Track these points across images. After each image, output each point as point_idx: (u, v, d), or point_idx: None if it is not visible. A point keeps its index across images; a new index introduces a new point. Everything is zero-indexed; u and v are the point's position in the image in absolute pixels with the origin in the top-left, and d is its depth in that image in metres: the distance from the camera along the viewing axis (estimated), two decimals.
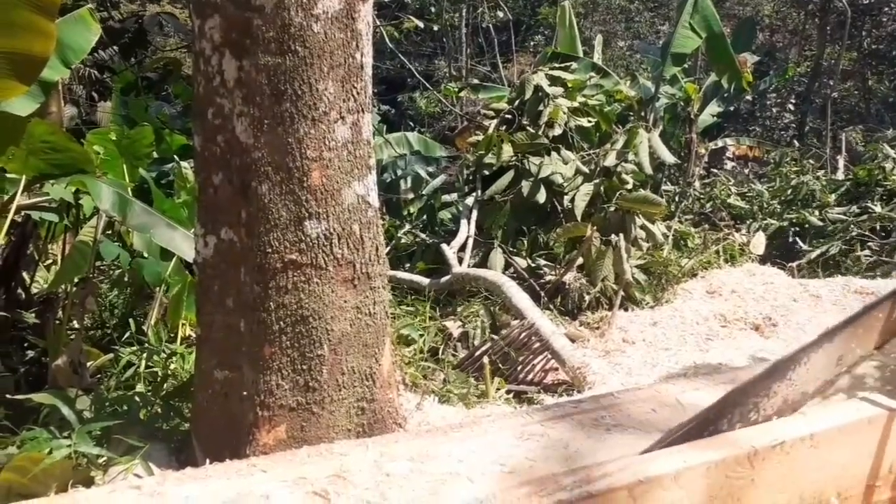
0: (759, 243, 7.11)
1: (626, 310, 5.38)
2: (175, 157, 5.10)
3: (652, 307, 5.44)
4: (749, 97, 12.98)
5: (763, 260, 6.92)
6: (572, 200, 5.94)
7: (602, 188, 6.01)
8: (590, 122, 6.78)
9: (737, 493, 1.93)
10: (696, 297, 5.53)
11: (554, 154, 6.29)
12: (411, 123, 15.30)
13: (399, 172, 8.82)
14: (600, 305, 5.46)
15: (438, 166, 9.03)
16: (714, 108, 10.20)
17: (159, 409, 3.25)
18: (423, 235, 7.13)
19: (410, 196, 8.56)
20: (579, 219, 5.82)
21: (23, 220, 3.84)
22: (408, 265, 6.73)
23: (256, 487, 1.67)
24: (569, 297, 5.47)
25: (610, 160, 6.08)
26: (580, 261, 5.57)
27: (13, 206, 3.38)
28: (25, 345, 4.03)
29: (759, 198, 8.97)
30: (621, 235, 5.47)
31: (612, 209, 5.81)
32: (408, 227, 7.55)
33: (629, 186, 6.00)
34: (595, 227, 5.55)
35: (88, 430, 2.71)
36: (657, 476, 1.81)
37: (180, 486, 1.64)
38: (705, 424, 2.03)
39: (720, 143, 11.37)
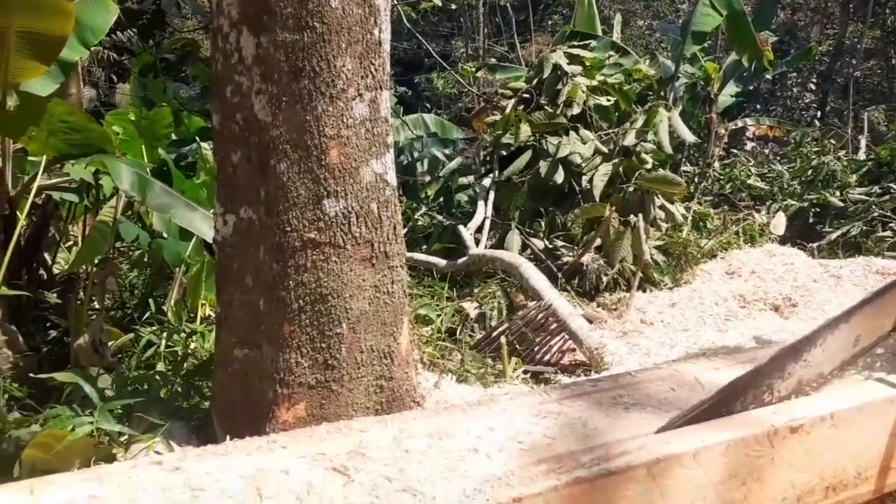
0: (779, 224, 7.03)
1: (644, 291, 5.36)
2: (195, 138, 5.12)
3: (670, 288, 5.41)
4: (769, 76, 12.76)
5: (783, 240, 6.85)
6: (591, 180, 5.90)
7: (621, 168, 5.96)
8: (609, 100, 6.70)
9: (756, 472, 1.92)
10: (716, 278, 5.49)
11: (572, 133, 6.24)
12: (428, 105, 15.23)
13: (416, 155, 8.79)
14: (618, 287, 5.44)
15: (455, 148, 8.99)
16: (734, 87, 10.04)
17: (179, 388, 3.29)
18: (439, 217, 7.13)
19: (427, 178, 8.52)
20: (598, 199, 5.78)
21: (44, 201, 3.87)
22: (424, 247, 6.73)
23: (276, 463, 1.68)
24: (586, 278, 5.45)
25: (629, 139, 6.02)
26: (598, 242, 5.54)
27: (34, 187, 3.41)
28: (48, 324, 4.07)
29: (779, 178, 8.85)
30: (640, 216, 5.43)
31: (630, 189, 5.77)
32: (424, 209, 7.54)
33: (648, 166, 5.95)
34: (613, 208, 5.52)
35: (110, 408, 2.75)
36: (676, 454, 1.80)
37: (201, 461, 1.65)
38: (718, 406, 2.01)
39: (740, 124, 11.21)
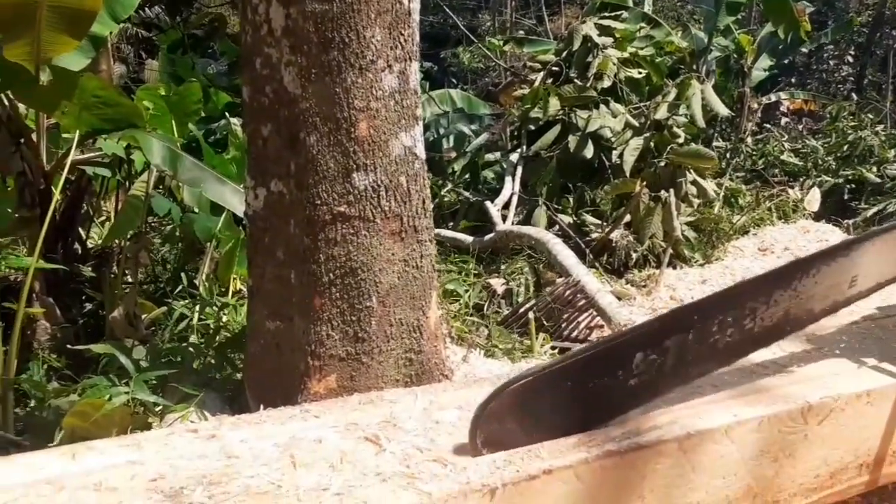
0: (813, 200, 6.90)
1: (674, 268, 5.30)
2: (225, 113, 5.14)
3: (701, 265, 5.35)
4: (805, 49, 12.44)
5: (817, 217, 6.73)
6: (621, 155, 5.82)
7: (652, 142, 5.86)
8: (640, 73, 6.59)
9: (789, 448, 1.90)
10: (748, 255, 5.41)
11: (602, 107, 6.15)
12: (454, 80, 15.10)
13: (442, 131, 8.74)
14: (648, 263, 5.39)
15: (482, 124, 8.92)
16: (768, 60, 9.80)
17: (212, 360, 3.34)
18: (466, 193, 7.09)
19: (453, 155, 8.48)
20: (628, 174, 5.71)
21: (77, 176, 3.93)
22: (450, 224, 6.72)
23: (309, 432, 1.70)
24: (615, 254, 5.41)
25: (661, 113, 5.92)
26: (628, 218, 5.49)
27: (68, 162, 3.46)
28: (83, 298, 4.16)
29: (813, 154, 8.66)
30: (671, 191, 5.35)
31: (662, 164, 5.68)
32: (450, 185, 7.51)
33: (680, 140, 5.85)
34: (644, 183, 5.45)
35: (145, 379, 2.81)
36: (708, 430, 1.79)
37: (236, 429, 1.68)
38: (690, 319, 1.79)
39: (774, 98, 10.96)
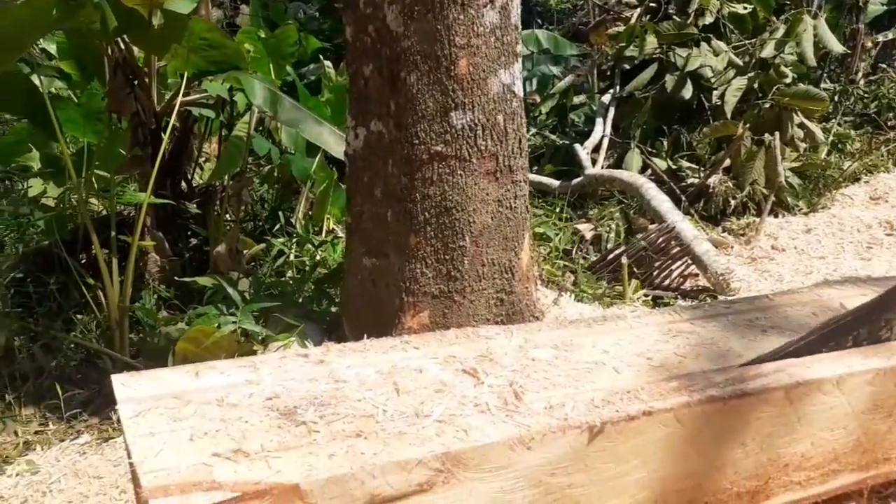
0: None
1: (775, 216, 5.07)
2: (319, 56, 5.20)
3: (806, 213, 5.09)
4: None
5: None
6: (722, 96, 5.54)
7: (756, 82, 5.55)
8: (745, 8, 6.18)
9: None
10: (858, 204, 5.10)
11: (703, 45, 5.83)
12: (539, 21, 14.64)
13: (526, 73, 8.53)
14: (747, 211, 5.18)
15: (567, 65, 8.66)
16: None
17: (310, 294, 3.48)
18: (552, 137, 6.95)
19: (536, 98, 8.30)
20: (729, 116, 5.44)
21: (184, 117, 4.09)
22: (534, 168, 6.61)
23: (410, 362, 1.77)
24: (712, 201, 5.21)
25: (767, 51, 5.58)
26: (727, 162, 5.25)
27: (177, 103, 3.60)
28: (189, 233, 4.38)
29: None
30: (776, 134, 5.07)
31: (766, 105, 5.38)
32: (535, 129, 7.37)
33: (788, 80, 5.51)
34: (747, 126, 5.18)
35: (250, 310, 2.96)
36: (817, 380, 1.74)
37: (342, 356, 1.76)
38: (824, 339, 1.86)
39: (891, 35, 10.08)
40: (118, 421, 2.83)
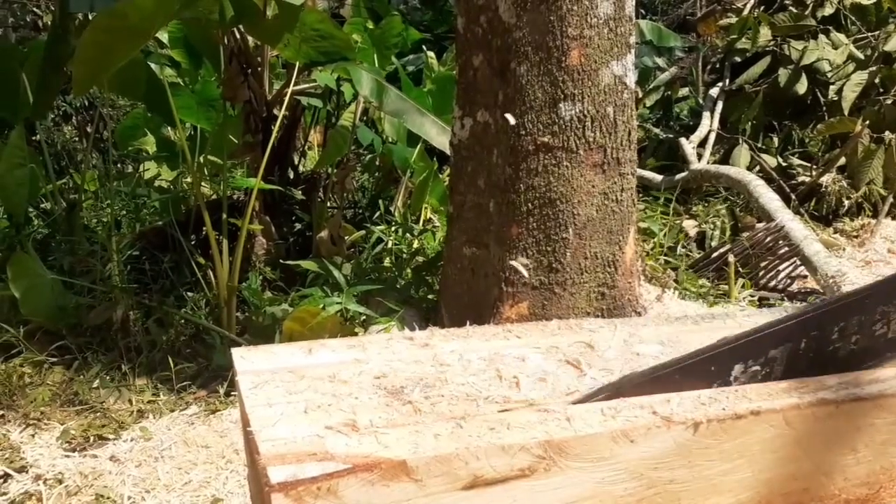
0: None
1: (893, 218, 4.77)
2: (422, 46, 5.27)
3: None
4: None
5: None
6: (839, 91, 5.24)
7: (878, 77, 5.22)
8: None
9: None
10: None
11: (821, 37, 5.53)
12: (643, 11, 14.25)
13: None
14: (862, 212, 4.90)
15: (670, 57, 8.40)
16: None
17: (409, 280, 3.55)
18: (655, 130, 6.77)
19: (638, 91, 8.08)
20: (846, 112, 5.15)
21: (293, 106, 4.24)
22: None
23: (512, 350, 1.78)
24: (824, 200, 4.96)
25: (892, 44, 5.23)
26: (842, 161, 4.98)
27: (288, 92, 3.74)
28: (293, 218, 4.55)
29: None
30: None
31: (888, 102, 5.05)
32: (637, 122, 7.17)
33: None
34: (865, 122, 4.89)
35: (354, 293, 3.06)
36: None
37: (446, 341, 1.79)
38: (802, 331, 1.64)
39: None
40: (224, 395, 3.01)
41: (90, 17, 3.32)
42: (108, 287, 3.55)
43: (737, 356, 1.67)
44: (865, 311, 1.70)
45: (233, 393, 3.00)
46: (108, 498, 2.35)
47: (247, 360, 1.64)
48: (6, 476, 2.45)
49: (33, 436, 2.72)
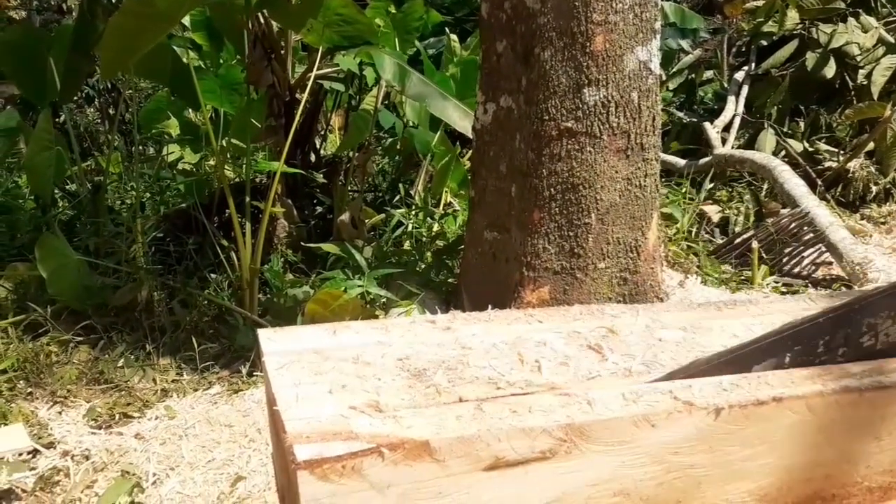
0: None
1: None
2: (445, 29, 5.25)
3: None
4: None
5: None
6: (869, 75, 5.15)
7: None
8: None
9: None
10: None
11: (851, 20, 5.42)
12: None
13: None
14: (890, 198, 4.82)
15: (694, 39, 8.27)
16: None
17: (430, 264, 3.56)
18: (679, 114, 6.69)
19: (661, 74, 7.99)
20: (875, 97, 5.05)
21: (315, 90, 4.25)
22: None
23: (534, 334, 1.78)
24: (851, 186, 4.89)
25: None
26: (870, 146, 4.90)
27: (311, 77, 3.75)
28: (315, 201, 4.58)
29: None
30: None
31: None
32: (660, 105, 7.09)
33: None
34: (895, 108, 4.80)
35: (375, 276, 3.08)
36: None
37: (467, 325, 1.80)
38: (784, 346, 1.64)
39: None
40: (247, 375, 3.05)
41: (117, 2, 3.34)
42: (132, 268, 3.60)
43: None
44: (853, 325, 1.70)
45: (255, 373, 3.04)
46: (133, 475, 2.40)
47: (273, 340, 1.67)
48: (35, 452, 2.51)
49: (60, 413, 2.78)
